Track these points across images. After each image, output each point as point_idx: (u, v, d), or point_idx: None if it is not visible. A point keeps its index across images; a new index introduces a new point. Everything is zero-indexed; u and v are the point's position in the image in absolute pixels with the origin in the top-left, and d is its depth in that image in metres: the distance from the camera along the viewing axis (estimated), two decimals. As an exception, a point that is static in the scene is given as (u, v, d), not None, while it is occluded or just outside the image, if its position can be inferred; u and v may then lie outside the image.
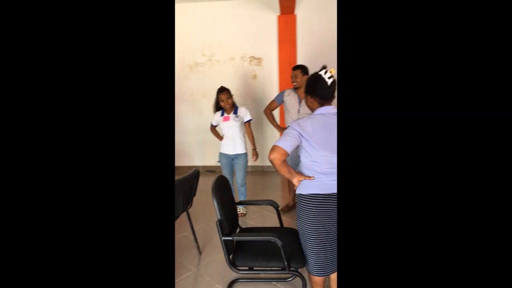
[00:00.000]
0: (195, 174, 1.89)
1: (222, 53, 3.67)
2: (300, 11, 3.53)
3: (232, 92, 3.74)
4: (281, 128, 2.56)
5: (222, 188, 1.48)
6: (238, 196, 2.62)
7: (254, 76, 3.73)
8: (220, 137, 2.58)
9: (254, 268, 1.40)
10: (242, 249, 1.44)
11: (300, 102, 2.41)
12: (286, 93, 2.49)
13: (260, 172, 3.82)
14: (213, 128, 2.61)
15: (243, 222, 2.46)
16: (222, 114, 2.51)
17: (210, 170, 3.86)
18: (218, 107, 2.51)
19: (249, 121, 2.54)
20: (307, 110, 2.38)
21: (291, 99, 2.44)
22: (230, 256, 1.37)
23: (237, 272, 1.39)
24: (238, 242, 1.48)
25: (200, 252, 2.03)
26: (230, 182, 2.58)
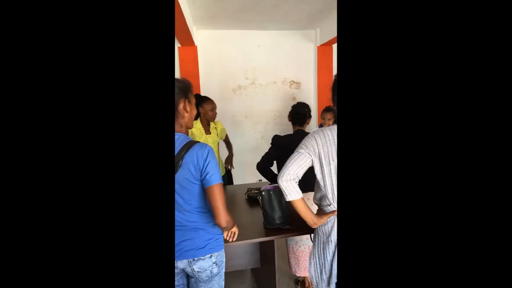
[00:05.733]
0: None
1: (264, 77, 3.90)
2: (336, 45, 3.83)
3: (273, 113, 3.99)
4: None
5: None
6: None
7: (293, 99, 3.94)
8: None
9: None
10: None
11: None
12: None
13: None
14: None
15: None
16: None
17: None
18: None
19: None
20: None
21: None
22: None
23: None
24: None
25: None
26: None
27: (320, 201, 1.20)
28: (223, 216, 1.05)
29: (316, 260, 1.20)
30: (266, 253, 1.82)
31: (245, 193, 2.13)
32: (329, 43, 3.72)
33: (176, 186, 1.06)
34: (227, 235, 1.23)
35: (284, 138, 2.06)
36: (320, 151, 1.10)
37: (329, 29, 3.52)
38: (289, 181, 1.10)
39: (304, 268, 2.02)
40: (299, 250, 2.01)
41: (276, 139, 2.07)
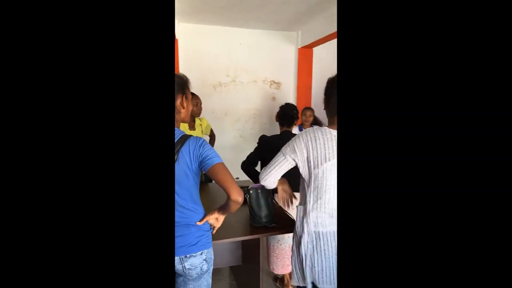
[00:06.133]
0: None
1: (245, 75, 3.87)
2: (317, 48, 3.87)
3: (253, 112, 3.97)
4: None
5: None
6: None
7: (273, 98, 3.94)
8: None
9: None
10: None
11: None
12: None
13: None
14: None
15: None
16: None
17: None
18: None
19: None
20: None
21: None
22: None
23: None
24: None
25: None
26: None
27: (301, 200, 1.23)
28: (237, 190, 1.02)
29: (295, 258, 1.23)
30: (249, 251, 1.80)
31: None
32: (309, 46, 3.75)
33: None
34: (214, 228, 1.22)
35: (270, 138, 2.05)
36: (310, 155, 1.10)
37: (310, 32, 3.56)
38: (271, 183, 1.21)
39: (282, 266, 2.02)
40: (280, 248, 2.01)
41: (262, 140, 2.05)
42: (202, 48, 3.67)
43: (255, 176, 2.03)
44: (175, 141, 1.04)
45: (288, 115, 2.06)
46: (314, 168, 1.09)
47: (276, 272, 2.06)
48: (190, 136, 1.05)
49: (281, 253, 2.02)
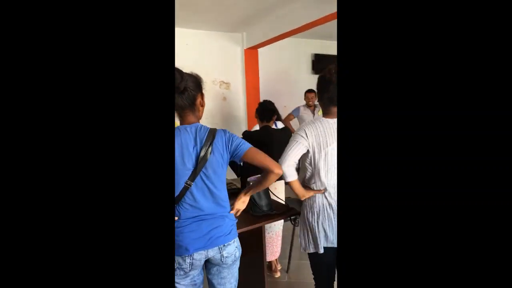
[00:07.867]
0: None
1: (194, 76, 3.69)
2: (262, 49, 3.87)
3: (205, 113, 3.80)
4: None
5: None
6: None
7: (224, 99, 3.84)
8: None
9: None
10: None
11: (313, 115, 3.34)
12: (302, 109, 3.41)
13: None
14: None
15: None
16: None
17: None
18: None
19: None
20: None
21: (307, 113, 3.38)
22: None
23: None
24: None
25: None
26: None
27: (308, 181, 1.33)
28: (276, 164, 1.09)
29: (305, 227, 1.33)
30: (244, 243, 1.78)
31: None
32: (255, 47, 3.74)
33: (209, 172, 1.08)
34: (235, 212, 1.26)
35: (253, 133, 2.13)
36: (314, 142, 1.22)
37: (255, 34, 3.55)
38: (289, 167, 1.24)
39: (271, 252, 2.05)
40: (268, 236, 2.03)
41: (246, 135, 2.11)
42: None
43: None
44: (206, 134, 1.07)
45: (268, 110, 2.11)
46: (317, 152, 1.22)
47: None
48: (217, 130, 1.10)
49: (269, 241, 2.04)
